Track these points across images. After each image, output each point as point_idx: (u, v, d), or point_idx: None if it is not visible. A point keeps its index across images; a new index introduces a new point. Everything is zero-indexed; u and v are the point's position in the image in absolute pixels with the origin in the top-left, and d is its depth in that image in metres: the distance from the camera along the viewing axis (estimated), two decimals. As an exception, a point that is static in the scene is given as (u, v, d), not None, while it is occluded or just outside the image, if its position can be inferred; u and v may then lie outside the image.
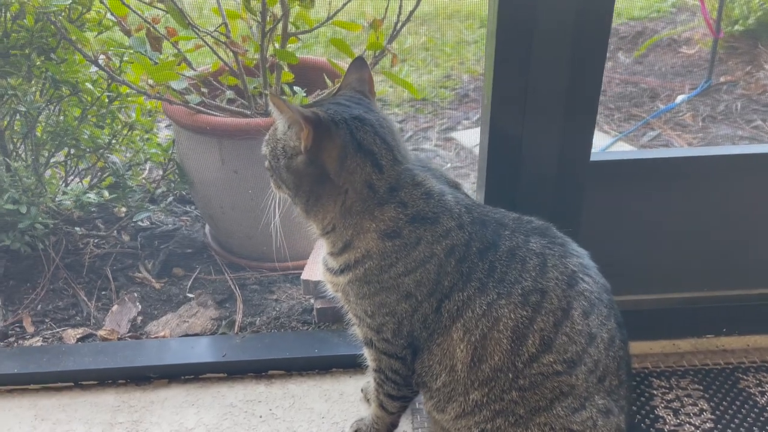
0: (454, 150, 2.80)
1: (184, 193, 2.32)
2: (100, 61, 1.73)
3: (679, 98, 2.99)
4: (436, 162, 2.70)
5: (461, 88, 3.37)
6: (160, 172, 2.10)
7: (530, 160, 1.42)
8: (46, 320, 1.79)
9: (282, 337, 1.69)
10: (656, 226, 1.58)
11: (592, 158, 1.45)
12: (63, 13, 1.76)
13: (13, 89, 1.76)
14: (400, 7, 1.74)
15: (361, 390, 1.54)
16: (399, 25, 1.76)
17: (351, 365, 1.59)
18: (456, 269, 1.13)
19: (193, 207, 2.29)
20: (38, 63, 1.81)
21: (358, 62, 1.23)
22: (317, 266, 1.73)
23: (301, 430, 1.46)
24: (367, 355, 1.31)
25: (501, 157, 1.44)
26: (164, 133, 2.75)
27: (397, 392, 1.29)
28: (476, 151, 2.77)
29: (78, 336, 1.73)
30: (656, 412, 1.47)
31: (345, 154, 1.09)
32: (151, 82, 1.72)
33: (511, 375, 1.11)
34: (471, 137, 2.88)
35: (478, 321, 1.11)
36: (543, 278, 1.12)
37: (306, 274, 1.72)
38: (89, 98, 1.90)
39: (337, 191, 1.11)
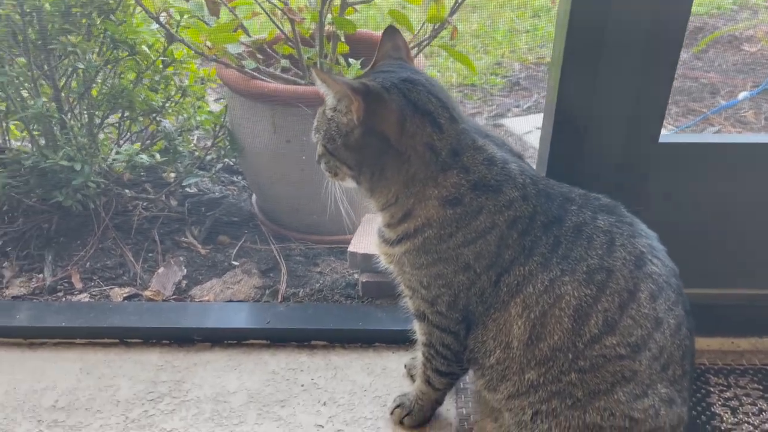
0: (503, 136, 2.75)
1: (231, 163, 2.32)
2: (161, 20, 1.73)
3: (742, 95, 2.88)
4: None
5: (512, 75, 3.30)
6: (209, 143, 2.10)
7: (596, 138, 1.37)
8: (94, 278, 1.81)
9: (326, 309, 1.67)
10: (722, 216, 1.51)
11: (661, 140, 1.39)
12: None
13: (73, 46, 1.77)
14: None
15: (405, 366, 1.51)
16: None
17: (395, 341, 1.56)
18: (518, 242, 1.09)
19: (240, 177, 2.29)
20: (98, 22, 1.82)
21: (390, 30, 1.20)
22: (365, 239, 1.72)
23: (343, 401, 1.44)
24: (417, 328, 1.28)
25: (565, 135, 1.39)
26: (212, 106, 2.76)
27: (446, 368, 1.26)
28: (526, 138, 2.71)
29: (124, 295, 1.75)
30: (713, 409, 1.40)
31: (403, 117, 1.06)
32: (208, 44, 1.72)
33: (570, 355, 1.06)
34: (521, 124, 2.82)
35: (539, 297, 1.07)
36: (610, 257, 1.07)
37: (353, 247, 1.69)
38: (145, 62, 1.91)
39: (401, 159, 1.08)
